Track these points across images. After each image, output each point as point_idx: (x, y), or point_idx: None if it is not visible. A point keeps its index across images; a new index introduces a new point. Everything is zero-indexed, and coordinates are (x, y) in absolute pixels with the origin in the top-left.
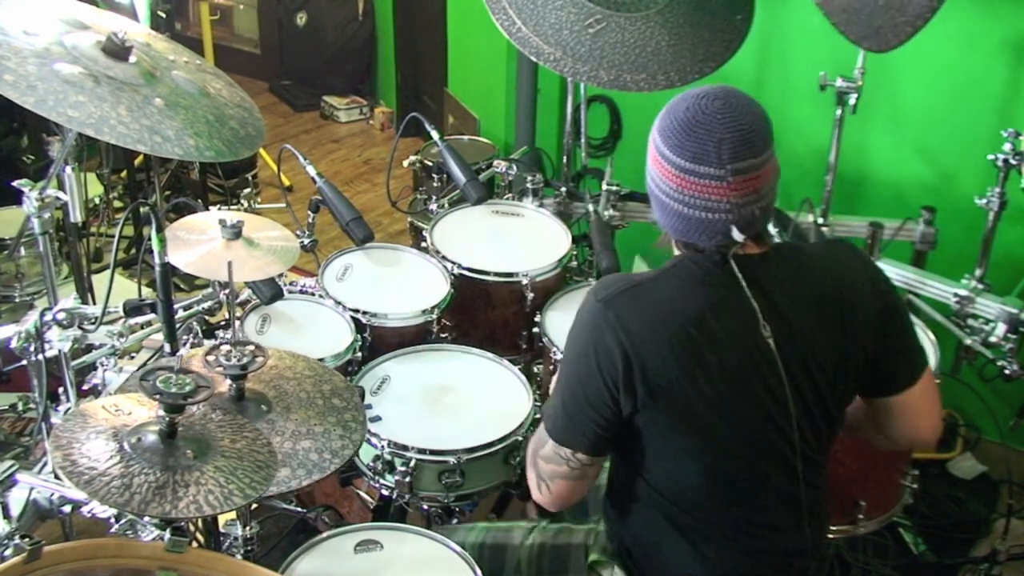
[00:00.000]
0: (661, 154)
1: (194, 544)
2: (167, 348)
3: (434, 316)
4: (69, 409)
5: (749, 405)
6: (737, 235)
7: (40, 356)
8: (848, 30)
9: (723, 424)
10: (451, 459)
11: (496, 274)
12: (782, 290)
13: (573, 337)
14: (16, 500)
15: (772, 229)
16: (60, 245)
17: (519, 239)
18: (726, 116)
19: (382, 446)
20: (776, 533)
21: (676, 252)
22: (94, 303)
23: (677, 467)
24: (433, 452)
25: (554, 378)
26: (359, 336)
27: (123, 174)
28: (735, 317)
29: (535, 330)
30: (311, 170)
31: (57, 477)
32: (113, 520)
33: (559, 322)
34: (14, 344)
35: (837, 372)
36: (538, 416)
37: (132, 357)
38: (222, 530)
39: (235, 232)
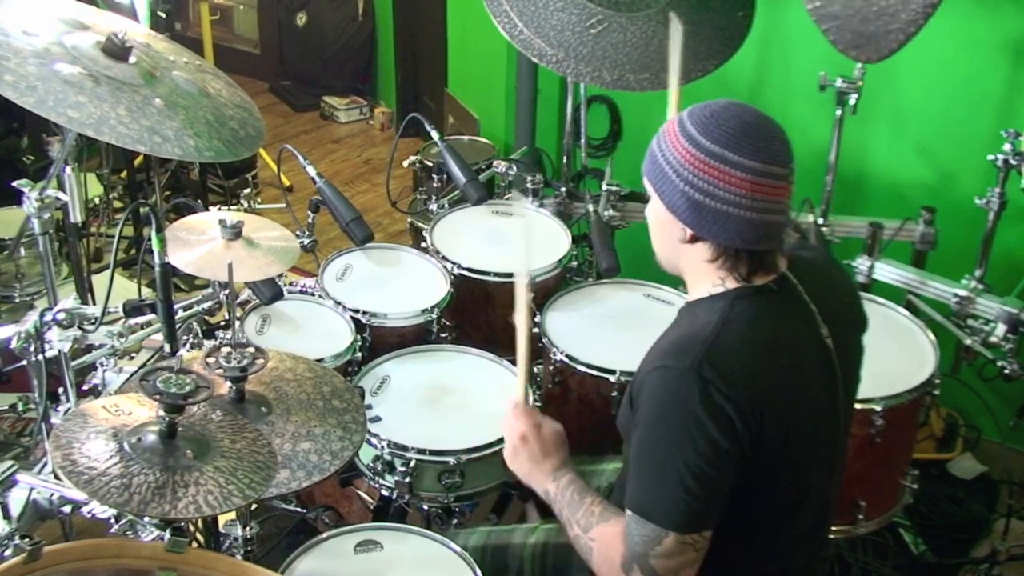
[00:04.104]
0: (728, 162)
1: (194, 544)
2: (167, 348)
3: (434, 316)
4: (69, 409)
5: (814, 413)
6: (792, 236)
7: (40, 356)
8: (838, 39)
9: (806, 438)
10: (451, 459)
11: (496, 274)
12: (815, 292)
13: (667, 418)
14: (16, 500)
15: None
16: (60, 245)
17: (519, 239)
18: (770, 119)
19: (382, 446)
20: (802, 546)
21: (695, 276)
22: (94, 303)
23: (750, 502)
24: (433, 452)
25: (641, 468)
26: (359, 336)
27: (123, 174)
28: (802, 329)
29: (535, 330)
30: (311, 170)
31: (57, 477)
32: (113, 520)
33: (559, 322)
34: (14, 344)
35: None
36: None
37: (132, 357)
38: (222, 530)
39: (235, 232)
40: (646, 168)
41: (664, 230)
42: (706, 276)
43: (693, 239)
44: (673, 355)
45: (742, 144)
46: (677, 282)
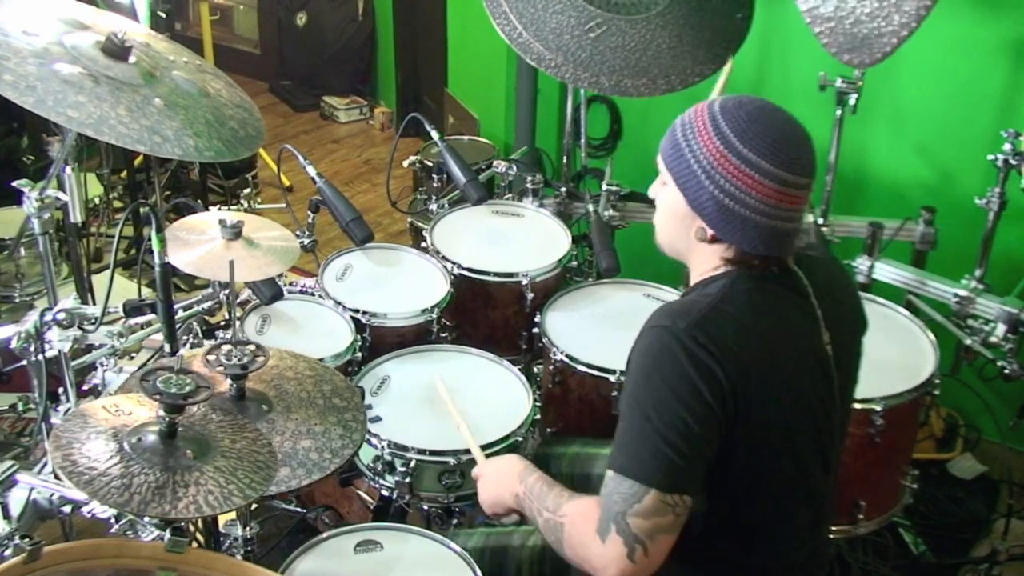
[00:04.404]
0: (763, 172)
1: (194, 544)
2: (167, 348)
3: (434, 316)
4: (69, 409)
5: (810, 411)
6: (801, 242)
7: (40, 356)
8: (831, 42)
9: (796, 432)
10: (451, 459)
11: (496, 274)
12: (817, 287)
13: (656, 373)
14: (16, 500)
15: None
16: (60, 245)
17: (519, 239)
18: (800, 126)
19: (382, 446)
20: (802, 544)
21: (701, 264)
22: (94, 303)
23: (735, 489)
24: (433, 452)
25: (625, 427)
26: (359, 336)
27: (123, 174)
28: (798, 318)
29: (535, 330)
30: (311, 170)
31: (57, 477)
32: (113, 520)
33: (559, 322)
34: (14, 344)
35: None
36: (537, 417)
37: (132, 357)
38: (222, 530)
39: (235, 232)
40: (666, 153)
41: (681, 223)
42: (712, 264)
43: (713, 239)
44: (668, 316)
45: (779, 155)
46: (677, 282)
